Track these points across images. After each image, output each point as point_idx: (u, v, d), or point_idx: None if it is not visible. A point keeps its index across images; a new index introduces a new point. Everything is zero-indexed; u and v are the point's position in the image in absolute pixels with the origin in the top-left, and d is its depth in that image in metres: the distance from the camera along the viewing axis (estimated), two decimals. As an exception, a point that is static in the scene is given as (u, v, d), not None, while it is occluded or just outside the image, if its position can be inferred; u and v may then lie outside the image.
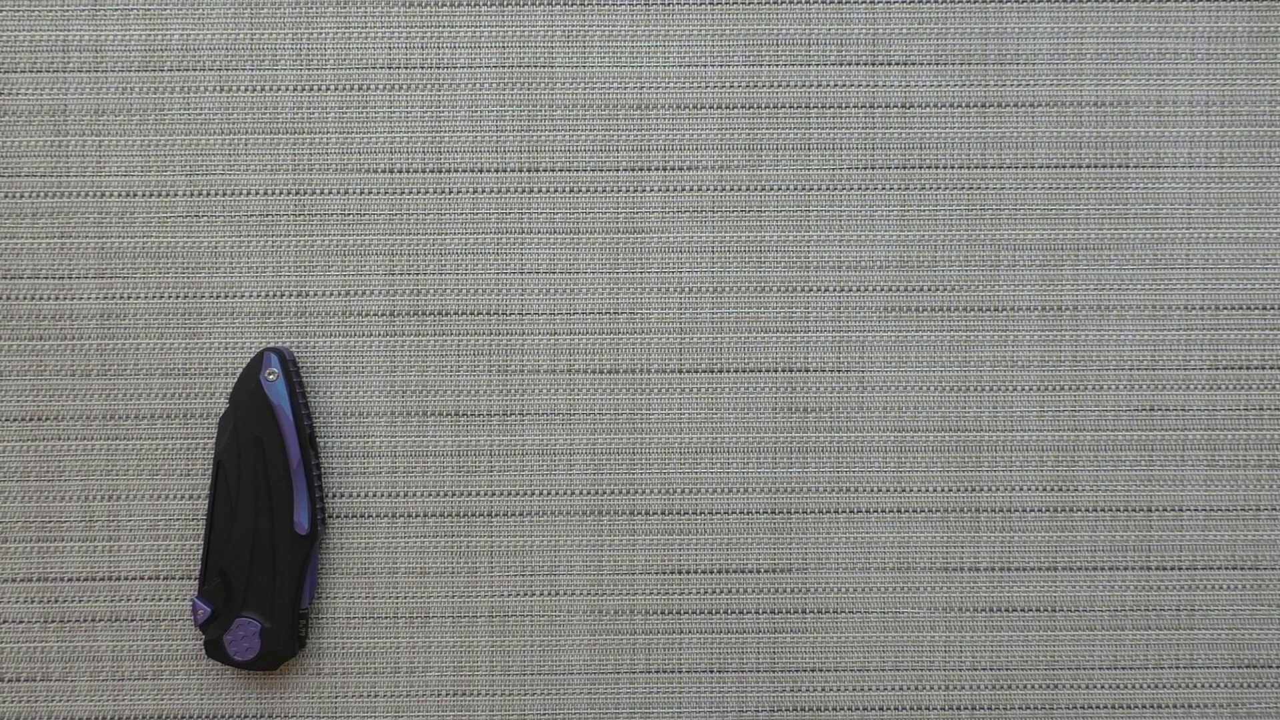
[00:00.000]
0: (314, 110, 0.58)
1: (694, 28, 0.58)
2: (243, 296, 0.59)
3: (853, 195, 0.59)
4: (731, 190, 0.59)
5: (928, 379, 0.60)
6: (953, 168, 0.59)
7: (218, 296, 0.59)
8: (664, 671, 0.61)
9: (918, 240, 0.59)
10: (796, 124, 0.59)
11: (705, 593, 0.60)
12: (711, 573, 0.60)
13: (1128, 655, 0.61)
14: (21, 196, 0.59)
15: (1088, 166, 0.59)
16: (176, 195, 0.59)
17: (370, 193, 0.59)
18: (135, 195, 0.59)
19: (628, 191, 0.59)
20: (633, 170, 0.59)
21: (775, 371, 0.60)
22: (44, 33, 0.58)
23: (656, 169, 0.59)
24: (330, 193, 0.59)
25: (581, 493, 0.60)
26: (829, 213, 0.59)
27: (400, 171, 0.59)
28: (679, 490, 0.60)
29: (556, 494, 0.60)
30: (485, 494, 0.60)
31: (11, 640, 0.60)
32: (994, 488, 0.60)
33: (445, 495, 0.60)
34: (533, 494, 0.60)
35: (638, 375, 0.60)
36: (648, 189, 0.59)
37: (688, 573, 0.60)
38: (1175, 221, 0.59)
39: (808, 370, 0.60)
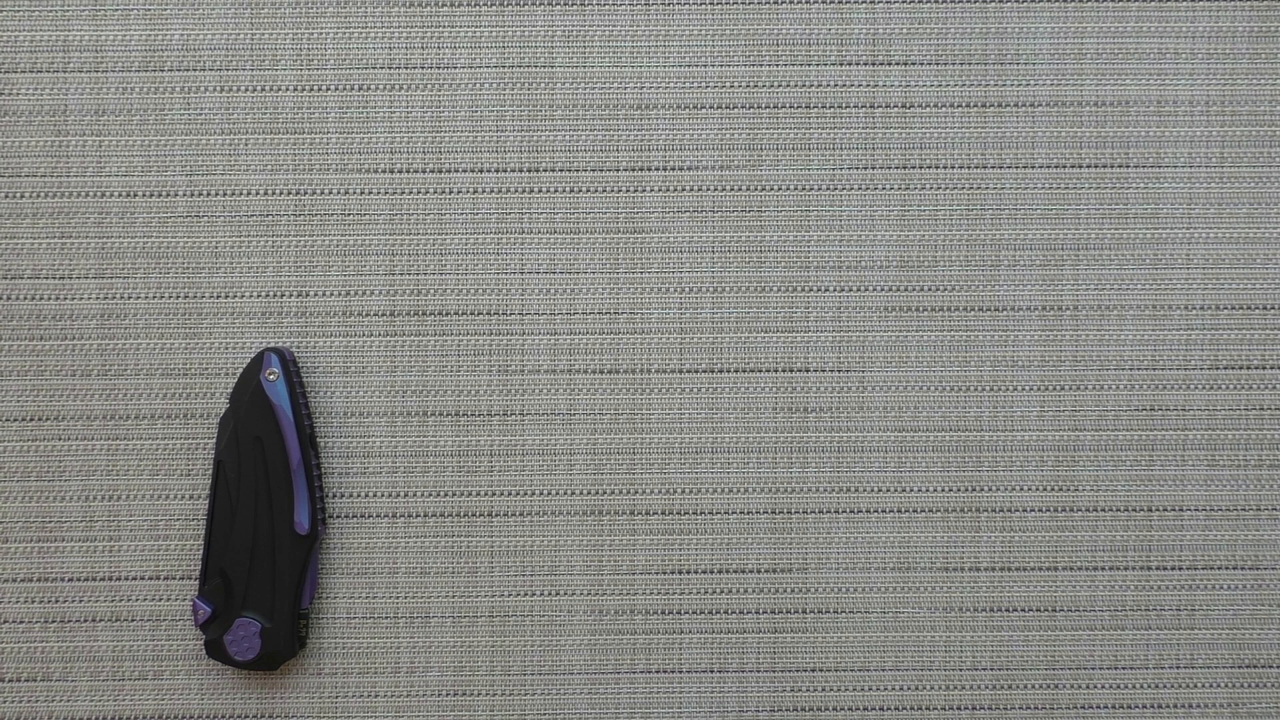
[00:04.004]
0: (314, 110, 0.59)
1: (694, 28, 0.58)
2: (243, 296, 0.59)
3: (853, 195, 0.59)
4: (731, 190, 0.59)
5: (928, 379, 0.60)
6: (953, 168, 0.59)
7: (218, 296, 0.59)
8: (664, 671, 0.61)
9: (918, 240, 0.59)
10: (796, 124, 0.59)
11: (705, 593, 0.60)
12: (711, 573, 0.60)
13: (1128, 655, 0.61)
14: (22, 196, 0.59)
15: (1088, 166, 0.59)
16: (177, 195, 0.59)
17: (370, 193, 0.59)
18: (135, 195, 0.59)
19: (628, 191, 0.59)
20: (633, 170, 0.59)
21: (775, 371, 0.60)
22: (44, 33, 0.58)
23: (656, 169, 0.59)
24: (330, 193, 0.59)
25: (581, 493, 0.60)
26: (829, 213, 0.59)
27: (400, 171, 0.59)
28: (679, 490, 0.60)
29: (556, 494, 0.60)
30: (485, 494, 0.60)
31: (11, 640, 0.60)
32: (994, 488, 0.60)
33: (445, 495, 0.60)
34: (533, 494, 0.60)
35: (638, 375, 0.60)
36: (648, 189, 0.59)
37: (688, 573, 0.60)
38: (1175, 221, 0.59)
39: (808, 370, 0.60)
